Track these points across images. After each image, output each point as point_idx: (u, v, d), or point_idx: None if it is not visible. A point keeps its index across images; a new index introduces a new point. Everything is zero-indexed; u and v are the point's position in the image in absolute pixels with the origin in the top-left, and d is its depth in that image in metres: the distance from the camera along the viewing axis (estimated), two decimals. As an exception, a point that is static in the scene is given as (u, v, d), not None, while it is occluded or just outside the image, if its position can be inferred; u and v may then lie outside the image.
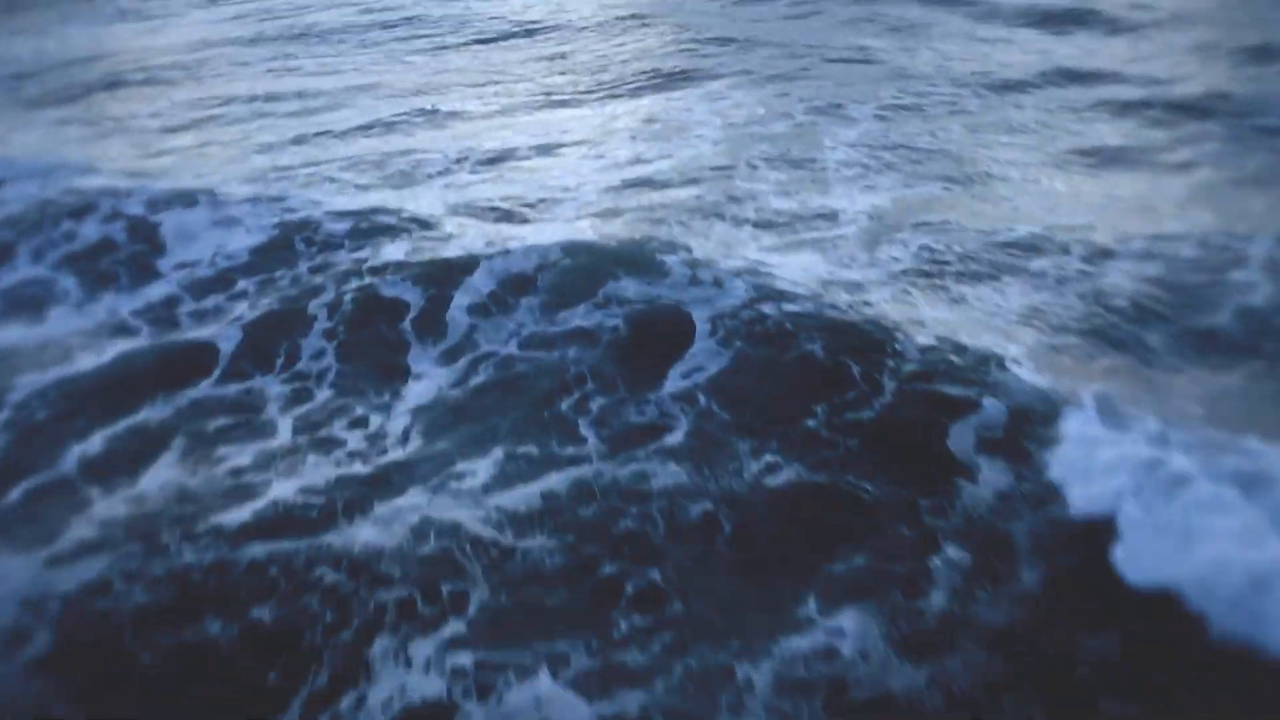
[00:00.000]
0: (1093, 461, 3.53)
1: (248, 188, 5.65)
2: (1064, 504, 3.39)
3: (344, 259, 4.98)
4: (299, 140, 6.72)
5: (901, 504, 3.60)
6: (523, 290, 4.89)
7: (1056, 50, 9.37)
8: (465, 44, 9.83)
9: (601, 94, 8.04)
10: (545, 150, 6.63)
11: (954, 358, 4.15)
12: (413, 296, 4.90)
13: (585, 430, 3.99)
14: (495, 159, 6.42)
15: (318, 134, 6.84)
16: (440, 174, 6.06)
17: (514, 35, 10.12)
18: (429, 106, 7.40)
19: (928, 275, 4.87)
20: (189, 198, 5.71)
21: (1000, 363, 4.07)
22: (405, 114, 7.26)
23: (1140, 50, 9.29)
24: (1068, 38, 9.99)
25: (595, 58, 9.21)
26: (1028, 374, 4.02)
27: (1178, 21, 10.34)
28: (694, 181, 6.14)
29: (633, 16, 10.85)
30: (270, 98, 7.93)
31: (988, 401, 3.88)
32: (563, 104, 7.88)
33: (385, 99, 7.79)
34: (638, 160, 6.57)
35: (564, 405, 4.13)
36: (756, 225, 5.45)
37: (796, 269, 4.90)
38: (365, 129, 6.94)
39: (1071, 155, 6.47)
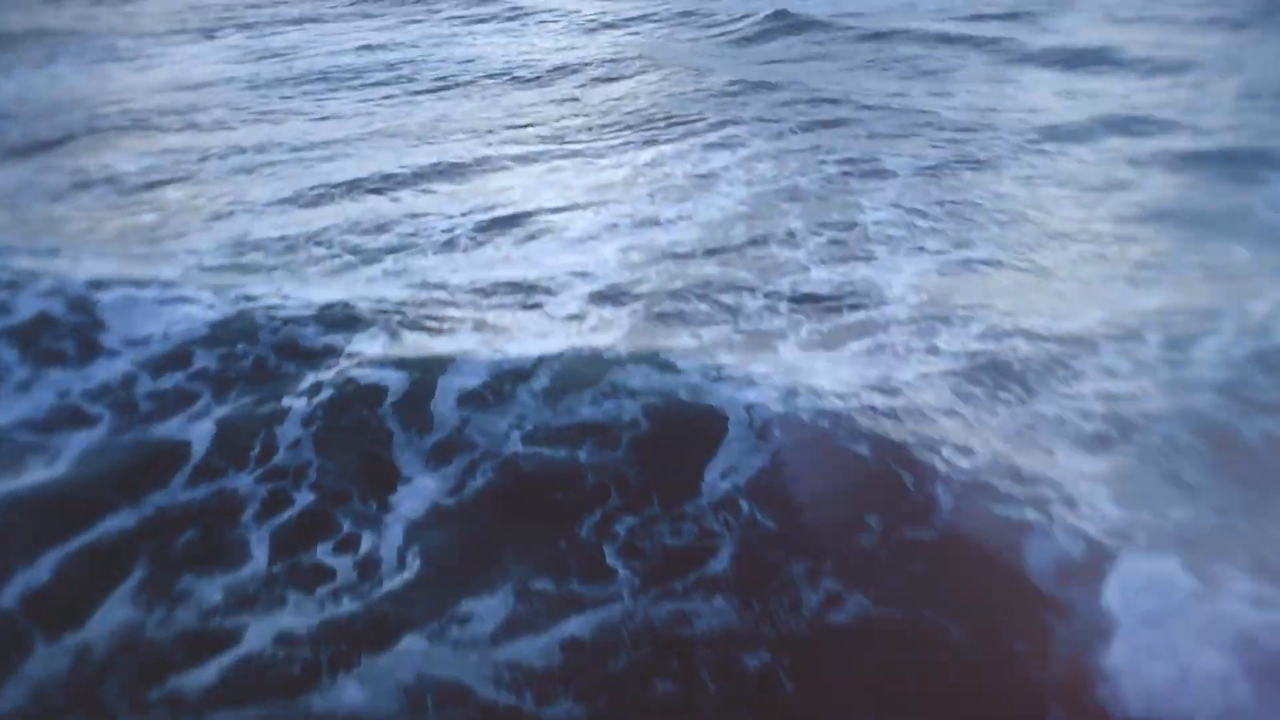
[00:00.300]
0: (1172, 623, 2.99)
1: (214, 257, 5.11)
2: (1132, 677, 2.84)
3: (317, 341, 4.41)
4: (284, 201, 6.18)
5: (989, 648, 3.04)
6: (521, 378, 4.32)
7: (1097, 94, 8.90)
8: (470, 85, 9.33)
9: (615, 143, 7.52)
10: (554, 211, 6.08)
11: (1016, 470, 3.60)
12: (395, 382, 4.31)
13: (612, 559, 3.41)
14: (498, 223, 5.87)
15: (308, 190, 6.30)
16: (436, 244, 5.51)
17: (521, 77, 9.63)
18: (431, 160, 6.87)
19: (984, 369, 4.30)
20: (144, 270, 5.18)
21: (1067, 483, 3.53)
22: (404, 167, 6.73)
23: (1182, 95, 8.81)
24: (1104, 79, 9.52)
25: (606, 102, 8.71)
26: (1101, 498, 3.48)
27: (1208, 63, 9.88)
28: (718, 250, 5.60)
29: (640, 58, 10.37)
30: (261, 148, 7.41)
31: (1054, 529, 3.34)
32: (574, 154, 7.36)
33: (384, 148, 7.27)
34: (655, 222, 6.02)
35: (584, 526, 3.56)
36: (792, 303, 4.89)
37: (837, 361, 4.35)
38: (358, 185, 6.40)
39: (1134, 213, 5.95)
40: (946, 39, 11.10)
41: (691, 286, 5.07)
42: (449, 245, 5.48)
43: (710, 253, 5.54)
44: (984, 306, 4.80)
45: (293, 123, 8.32)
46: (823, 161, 7.10)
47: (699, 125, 8.00)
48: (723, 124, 8.02)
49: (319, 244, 5.43)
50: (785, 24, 11.64)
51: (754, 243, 5.68)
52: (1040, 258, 5.42)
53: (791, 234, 5.81)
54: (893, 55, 10.43)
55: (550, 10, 13.28)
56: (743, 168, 7.07)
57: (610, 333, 4.60)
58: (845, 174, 6.88)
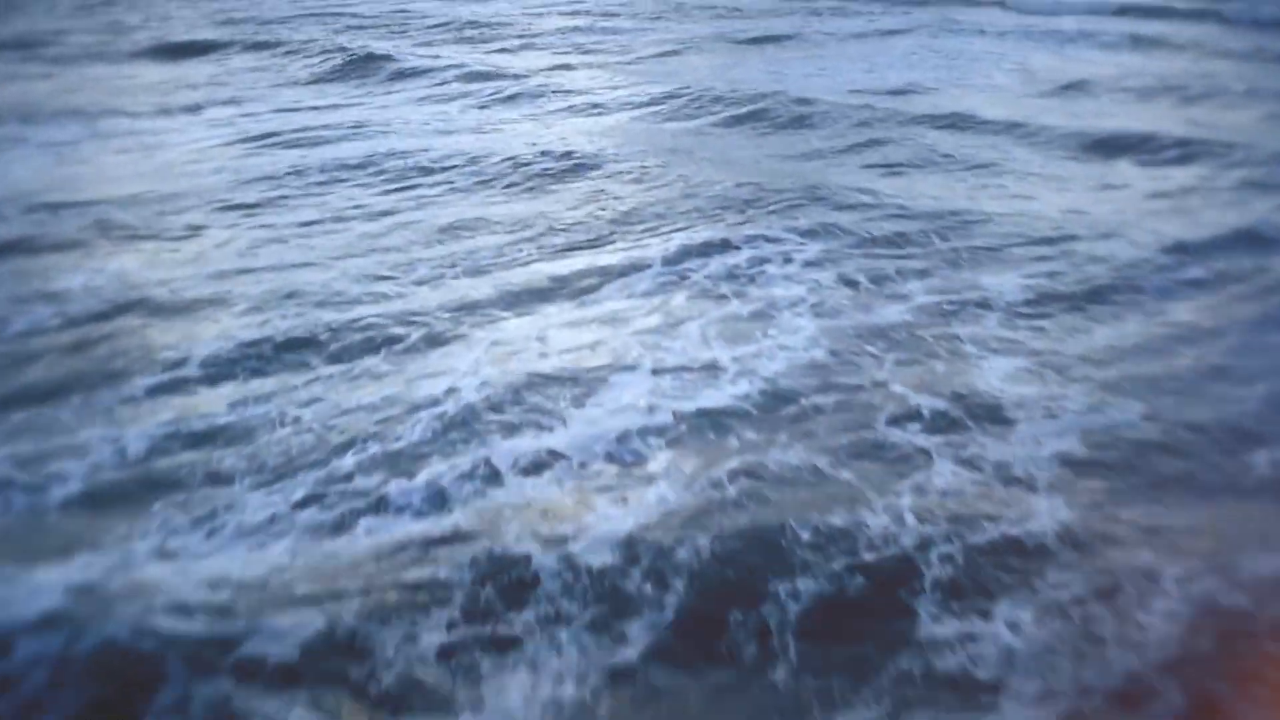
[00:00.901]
0: None
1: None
2: None
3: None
4: (255, 361, 4.97)
5: None
6: None
7: (1181, 189, 7.81)
8: (484, 186, 8.17)
9: (655, 264, 6.33)
10: (589, 373, 4.80)
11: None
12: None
13: None
14: (520, 389, 4.59)
15: (285, 345, 5.08)
16: (438, 435, 4.25)
17: (538, 174, 8.45)
18: (442, 304, 5.67)
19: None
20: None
21: None
22: (412, 314, 5.47)
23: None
24: (1176, 170, 8.44)
25: (639, 207, 7.54)
26: None
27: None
28: (798, 420, 4.38)
29: (672, 151, 9.23)
30: (244, 270, 6.23)
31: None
32: (606, 276, 6.16)
33: (386, 278, 6.05)
34: (712, 375, 4.80)
35: None
36: (917, 518, 3.66)
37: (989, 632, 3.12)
38: (350, 334, 5.18)
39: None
40: (983, 125, 10.03)
41: (770, 485, 3.85)
42: (450, 438, 4.20)
43: (790, 421, 4.34)
44: (1161, 520, 3.58)
45: (285, 233, 7.13)
46: (903, 285, 5.94)
47: (749, 236, 6.85)
48: (775, 236, 6.86)
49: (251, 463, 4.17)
50: (805, 111, 10.48)
51: (841, 407, 4.46)
52: (1213, 411, 4.24)
53: (886, 391, 4.62)
54: (929, 148, 9.27)
55: (536, 93, 12.13)
56: (808, 293, 5.88)
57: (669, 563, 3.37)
58: (937, 303, 5.71)
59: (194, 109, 12.31)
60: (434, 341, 5.23)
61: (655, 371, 4.82)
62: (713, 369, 4.90)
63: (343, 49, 14.64)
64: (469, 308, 5.57)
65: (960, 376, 4.80)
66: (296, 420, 4.32)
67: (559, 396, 4.59)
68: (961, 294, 5.85)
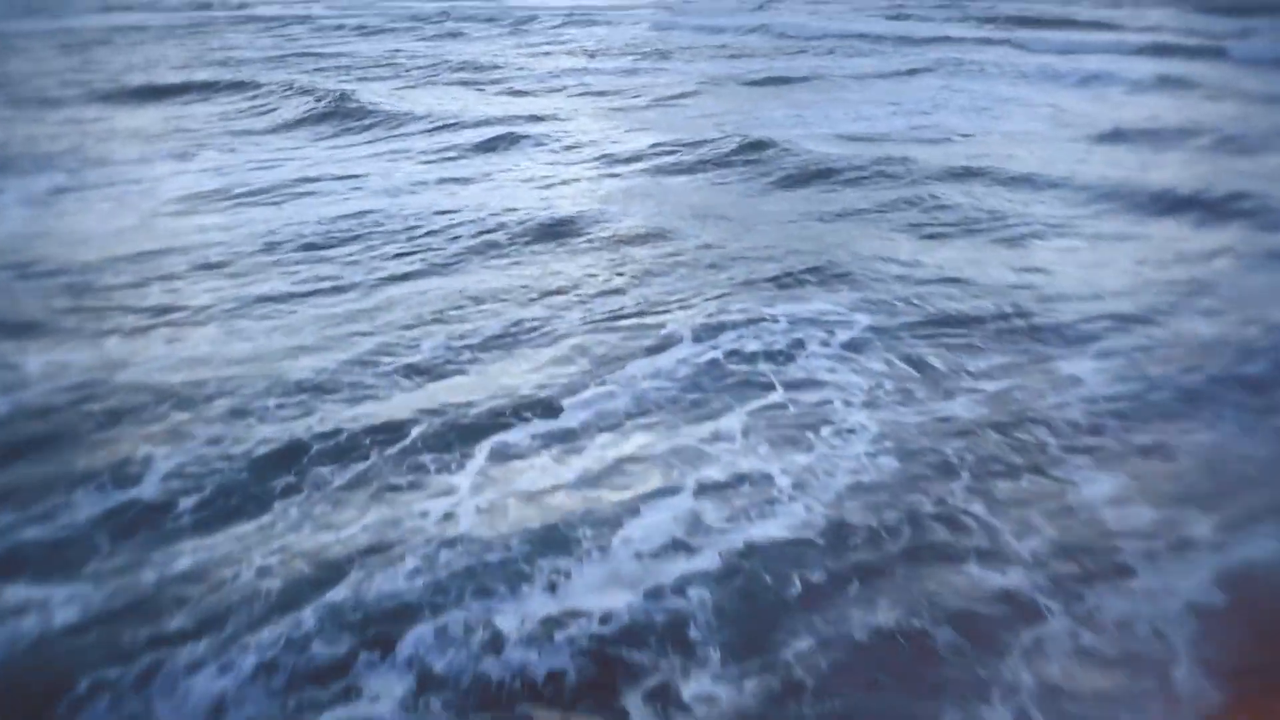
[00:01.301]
0: None
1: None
2: None
3: None
4: (224, 476, 4.20)
5: None
6: None
7: (1265, 251, 7.10)
8: (487, 249, 7.44)
9: (682, 341, 5.59)
10: (614, 491, 4.06)
11: None
12: None
13: None
14: (531, 519, 3.85)
15: (260, 460, 4.31)
16: (427, 586, 3.46)
17: (546, 236, 7.68)
18: (439, 401, 4.93)
19: None
20: None
21: None
22: (404, 414, 4.72)
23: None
24: (1246, 229, 7.75)
25: (659, 274, 6.78)
26: None
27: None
28: (872, 563, 3.61)
29: (690, 209, 8.52)
30: (221, 354, 5.50)
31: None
32: (629, 356, 5.41)
33: (376, 365, 5.32)
34: (763, 493, 4.05)
35: None
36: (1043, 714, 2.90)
37: None
38: (333, 442, 4.41)
39: None
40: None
41: (859, 699, 3.07)
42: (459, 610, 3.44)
43: (875, 574, 3.57)
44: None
45: (259, 324, 6.37)
46: (970, 380, 5.20)
47: (777, 308, 6.12)
48: (810, 308, 6.15)
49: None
50: (833, 163, 9.70)
51: (931, 565, 3.70)
52: None
53: (980, 526, 3.87)
54: (966, 218, 8.47)
55: (543, 141, 11.40)
56: (860, 389, 5.15)
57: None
58: (1004, 394, 4.99)
59: (181, 156, 11.64)
60: (429, 446, 4.47)
61: (698, 491, 4.07)
62: (764, 485, 4.15)
63: (334, 94, 14.02)
64: (469, 405, 4.82)
65: (1055, 499, 4.05)
66: (262, 564, 3.56)
67: (579, 526, 3.83)
68: (1036, 383, 5.12)
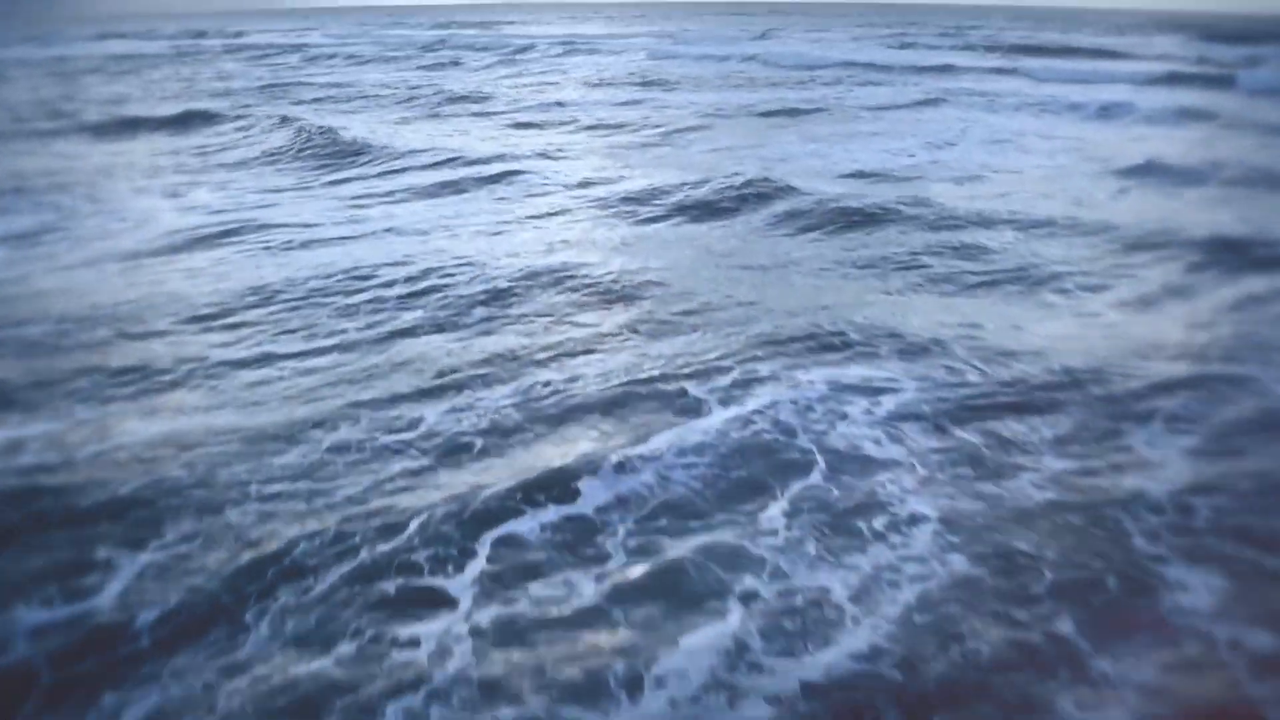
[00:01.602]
0: None
1: None
2: None
3: None
4: (189, 609, 3.61)
5: None
6: None
7: None
8: (493, 303, 6.87)
9: (710, 411, 5.06)
10: (642, 615, 3.45)
11: None
12: None
13: None
14: (540, 654, 3.28)
15: (227, 580, 3.73)
16: None
17: (559, 290, 7.11)
18: (434, 496, 4.34)
19: None
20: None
21: None
22: (393, 518, 4.14)
23: None
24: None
25: (679, 333, 6.23)
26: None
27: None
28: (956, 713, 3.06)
29: (709, 257, 8.01)
30: (200, 434, 4.93)
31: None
32: (650, 430, 4.84)
33: (367, 453, 4.77)
34: (819, 614, 3.47)
35: None
36: None
37: None
38: (314, 560, 3.80)
39: None
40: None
41: None
42: None
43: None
44: None
45: (242, 393, 5.86)
46: (1021, 445, 4.66)
47: (811, 373, 5.59)
48: (847, 374, 5.61)
49: None
50: (858, 204, 9.18)
51: (1009, 689, 3.14)
52: None
53: (1072, 652, 3.30)
54: (1007, 248, 8.04)
55: (550, 181, 10.87)
56: (898, 442, 4.61)
57: None
58: (1073, 475, 4.43)
59: (170, 194, 11.17)
60: (427, 540, 3.91)
61: (741, 609, 3.50)
62: (818, 600, 3.59)
63: (328, 128, 13.55)
64: (475, 488, 4.25)
65: (1150, 610, 3.50)
66: (225, 709, 2.99)
67: (603, 658, 3.26)
68: (1108, 461, 4.57)
